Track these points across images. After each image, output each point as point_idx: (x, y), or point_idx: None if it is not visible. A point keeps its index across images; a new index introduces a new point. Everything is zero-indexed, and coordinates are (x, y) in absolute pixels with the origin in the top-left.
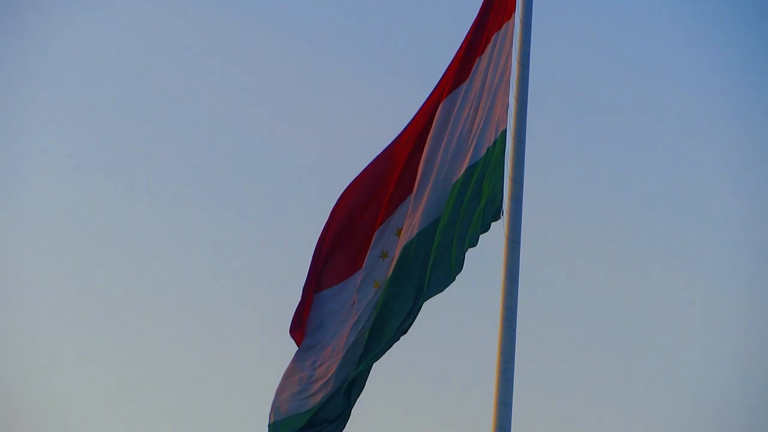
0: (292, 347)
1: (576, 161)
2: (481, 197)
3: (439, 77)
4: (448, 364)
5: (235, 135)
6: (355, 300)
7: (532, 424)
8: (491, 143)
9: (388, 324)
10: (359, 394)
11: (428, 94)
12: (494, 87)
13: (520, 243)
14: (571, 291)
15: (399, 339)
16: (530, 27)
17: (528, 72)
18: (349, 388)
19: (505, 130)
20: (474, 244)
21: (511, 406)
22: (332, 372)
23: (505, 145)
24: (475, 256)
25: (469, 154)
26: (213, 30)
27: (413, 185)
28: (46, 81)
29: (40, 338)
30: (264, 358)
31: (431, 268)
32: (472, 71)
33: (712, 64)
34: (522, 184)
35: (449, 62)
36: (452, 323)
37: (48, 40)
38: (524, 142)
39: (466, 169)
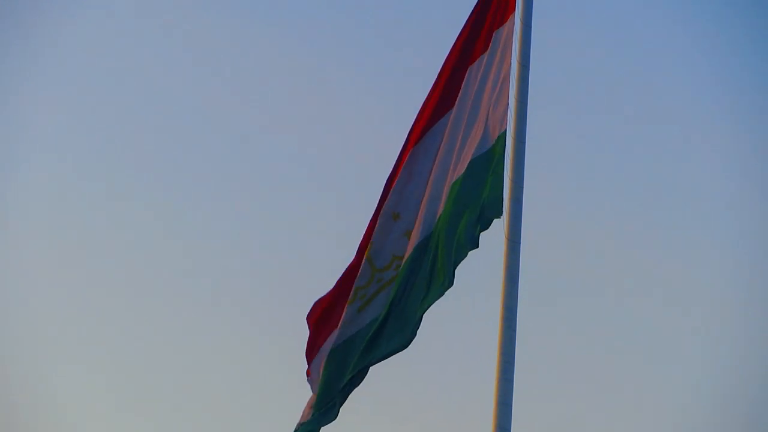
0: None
1: (576, 161)
2: (437, 260)
3: (437, 79)
4: (448, 364)
5: (234, 135)
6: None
7: (532, 424)
8: (446, 197)
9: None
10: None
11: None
12: (479, 110)
13: (520, 243)
14: (571, 291)
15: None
16: (530, 27)
17: (528, 72)
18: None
19: (505, 131)
20: (431, 304)
21: (511, 406)
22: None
23: (504, 146)
24: (475, 257)
25: (416, 232)
26: (213, 30)
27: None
28: (46, 81)
29: (40, 338)
30: (264, 359)
31: (368, 341)
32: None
33: (712, 65)
34: (522, 185)
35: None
36: (452, 323)
37: (48, 40)
38: (524, 143)
39: (416, 247)
